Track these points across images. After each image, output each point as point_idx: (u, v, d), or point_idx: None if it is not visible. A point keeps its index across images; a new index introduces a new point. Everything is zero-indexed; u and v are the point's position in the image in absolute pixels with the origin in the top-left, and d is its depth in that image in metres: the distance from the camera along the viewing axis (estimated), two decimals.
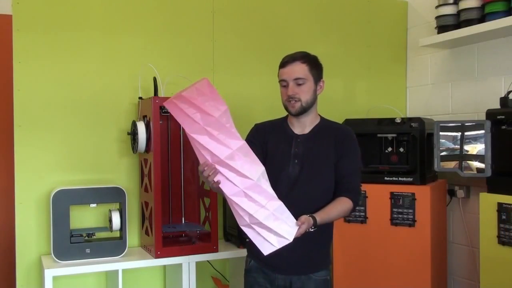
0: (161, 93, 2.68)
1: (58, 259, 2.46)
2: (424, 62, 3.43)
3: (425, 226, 2.72)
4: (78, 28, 2.68)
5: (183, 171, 2.81)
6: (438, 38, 3.04)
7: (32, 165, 2.59)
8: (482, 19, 2.83)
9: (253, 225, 1.79)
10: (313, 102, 2.05)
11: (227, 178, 1.79)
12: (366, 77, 3.45)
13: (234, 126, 1.79)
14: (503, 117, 2.51)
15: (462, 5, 2.91)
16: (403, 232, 2.76)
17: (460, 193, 3.08)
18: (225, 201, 2.89)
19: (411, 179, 2.79)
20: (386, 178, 2.86)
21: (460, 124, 2.67)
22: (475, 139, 2.59)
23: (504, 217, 2.41)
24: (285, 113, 2.12)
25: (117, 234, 2.62)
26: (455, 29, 2.94)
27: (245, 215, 1.79)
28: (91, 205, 2.57)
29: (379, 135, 3.00)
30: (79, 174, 2.68)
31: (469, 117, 3.03)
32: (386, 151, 3.02)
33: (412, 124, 2.81)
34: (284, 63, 2.03)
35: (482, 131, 2.55)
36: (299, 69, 1.99)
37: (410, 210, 2.74)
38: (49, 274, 2.36)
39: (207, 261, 2.87)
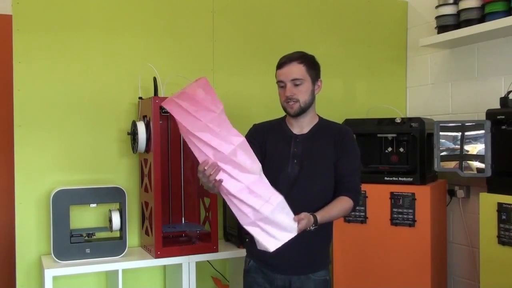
0: (161, 93, 2.68)
1: (58, 259, 2.46)
2: (424, 62, 3.42)
3: (425, 226, 2.72)
4: (78, 28, 2.68)
5: (183, 171, 2.81)
6: (438, 38, 3.04)
7: (32, 165, 2.59)
8: (482, 19, 2.83)
9: (258, 222, 1.78)
10: (311, 102, 2.05)
11: (230, 176, 1.77)
12: (366, 77, 3.45)
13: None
14: (503, 117, 2.51)
15: (462, 5, 2.91)
16: (403, 232, 2.76)
17: (460, 193, 3.08)
18: (225, 201, 2.90)
19: (411, 179, 2.79)
20: (386, 178, 2.86)
21: (460, 124, 2.67)
22: (475, 139, 2.59)
23: (504, 217, 2.41)
24: (284, 113, 2.12)
25: (117, 234, 2.62)
26: (455, 29, 2.94)
27: (250, 212, 1.77)
28: (91, 205, 2.57)
29: (379, 135, 3.00)
30: (79, 174, 2.68)
31: (469, 117, 3.03)
32: (386, 151, 3.02)
33: (412, 124, 2.81)
34: (281, 64, 2.02)
35: (482, 131, 2.55)
36: (297, 70, 1.99)
37: (410, 210, 2.74)
38: (49, 274, 2.36)
39: (207, 261, 2.87)
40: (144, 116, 2.62)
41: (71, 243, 2.48)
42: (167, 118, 2.76)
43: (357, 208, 2.82)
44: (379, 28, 3.47)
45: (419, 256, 2.73)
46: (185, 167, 2.82)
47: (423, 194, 2.74)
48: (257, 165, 1.80)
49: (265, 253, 2.04)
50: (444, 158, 2.71)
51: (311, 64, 2.03)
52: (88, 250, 2.50)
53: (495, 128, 2.54)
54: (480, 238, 2.53)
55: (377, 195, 2.82)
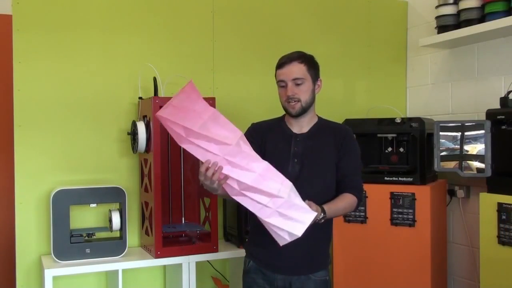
0: (161, 93, 2.68)
1: (58, 259, 2.46)
2: (424, 62, 3.43)
3: (425, 226, 2.72)
4: (78, 28, 2.68)
5: (183, 171, 2.81)
6: (438, 38, 3.04)
7: (32, 165, 2.59)
8: (482, 19, 2.83)
9: (279, 210, 1.73)
10: (312, 102, 2.05)
11: (242, 168, 1.73)
12: (366, 77, 3.45)
13: None
14: (503, 117, 2.51)
15: (462, 5, 2.91)
16: (403, 232, 2.76)
17: (460, 193, 3.08)
18: (225, 201, 2.91)
19: (411, 179, 2.79)
20: (386, 178, 2.86)
21: (460, 124, 2.67)
22: (475, 139, 2.60)
23: (504, 217, 2.41)
24: (282, 113, 2.12)
25: (117, 234, 2.62)
26: (455, 29, 2.94)
27: (268, 201, 1.73)
28: (91, 205, 2.57)
29: (379, 135, 3.00)
30: (79, 174, 2.68)
31: (469, 117, 3.03)
32: (386, 151, 3.02)
33: (412, 124, 2.81)
34: (281, 64, 2.02)
35: (482, 131, 2.55)
36: (297, 69, 1.99)
37: (410, 210, 2.74)
38: (49, 274, 2.35)
39: (207, 261, 2.87)
40: (144, 116, 2.62)
41: (71, 243, 2.48)
42: None
43: (357, 209, 2.83)
44: (379, 28, 3.47)
45: (419, 256, 2.73)
46: (185, 167, 2.82)
47: (423, 194, 2.74)
48: (258, 156, 1.79)
49: (265, 253, 2.05)
50: (444, 158, 2.71)
51: (311, 64, 2.03)
52: (88, 250, 2.50)
53: (495, 128, 2.54)
54: (480, 238, 2.53)
55: (377, 195, 2.82)
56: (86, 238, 2.55)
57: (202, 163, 1.75)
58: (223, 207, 2.92)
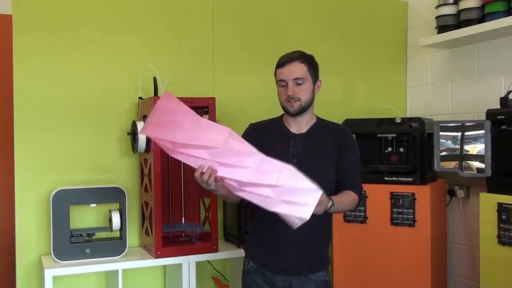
0: (161, 93, 2.68)
1: (58, 259, 2.46)
2: (424, 62, 3.42)
3: (425, 226, 2.72)
4: (78, 28, 2.68)
5: (183, 171, 2.81)
6: (438, 38, 3.04)
7: (32, 165, 2.59)
8: (482, 19, 2.83)
9: (282, 198, 1.72)
10: (311, 102, 2.04)
11: (235, 166, 1.74)
12: (366, 77, 3.45)
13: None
14: (503, 117, 2.51)
15: (462, 5, 2.91)
16: (403, 232, 2.76)
17: (460, 193, 3.08)
18: (225, 201, 2.90)
19: (411, 179, 2.79)
20: (386, 178, 2.86)
21: (460, 124, 2.67)
22: (475, 139, 2.60)
23: (504, 217, 2.41)
24: (280, 113, 2.12)
25: (117, 234, 2.62)
26: (455, 29, 2.94)
27: (269, 191, 1.72)
28: (91, 205, 2.57)
29: (379, 135, 3.00)
30: (79, 174, 2.68)
31: (469, 117, 3.03)
32: (386, 151, 3.02)
33: (412, 124, 2.81)
34: (282, 63, 2.01)
35: (482, 131, 2.55)
36: (298, 69, 1.98)
37: (410, 210, 2.74)
38: (49, 274, 2.35)
39: (207, 261, 2.87)
40: (144, 116, 2.62)
41: (71, 243, 2.48)
42: None
43: (357, 208, 2.83)
44: (379, 28, 3.47)
45: (419, 256, 2.73)
46: (185, 167, 2.82)
47: (423, 194, 2.74)
48: (251, 147, 1.78)
49: (264, 254, 2.05)
50: (444, 158, 2.71)
51: (312, 64, 2.03)
52: (88, 250, 2.50)
53: (495, 128, 2.54)
54: (480, 238, 2.53)
55: (377, 195, 2.82)
56: (86, 238, 2.55)
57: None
58: (223, 207, 2.92)
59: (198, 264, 2.67)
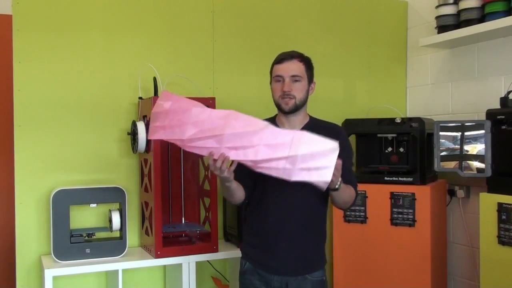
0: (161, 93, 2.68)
1: (58, 259, 2.46)
2: (424, 62, 3.42)
3: (425, 226, 2.72)
4: (78, 28, 2.68)
5: (183, 171, 2.81)
6: (438, 38, 3.04)
7: (32, 165, 2.59)
8: (482, 19, 2.83)
9: (299, 166, 1.72)
10: (305, 101, 2.06)
11: (245, 147, 1.75)
12: (366, 77, 3.45)
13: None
14: (503, 117, 2.51)
15: (462, 5, 2.91)
16: (403, 232, 2.76)
17: (460, 193, 3.08)
18: (225, 201, 2.90)
19: (411, 179, 2.79)
20: (386, 178, 2.86)
21: (460, 124, 2.67)
22: (475, 139, 2.60)
23: (504, 217, 2.41)
24: (274, 113, 2.13)
25: (117, 234, 2.62)
26: (455, 29, 2.94)
27: (285, 163, 1.73)
28: (91, 205, 2.57)
29: (379, 135, 3.00)
30: (79, 174, 2.68)
31: (469, 117, 3.03)
32: (386, 151, 3.02)
33: (412, 124, 2.81)
34: (281, 59, 2.03)
35: (482, 131, 2.55)
36: (297, 67, 2.00)
37: (410, 210, 2.75)
38: (49, 274, 2.36)
39: (207, 261, 2.87)
40: (144, 116, 2.62)
41: (71, 243, 2.48)
42: None
43: (357, 208, 2.84)
44: (379, 28, 3.47)
45: (419, 256, 2.73)
46: (185, 167, 2.82)
47: (423, 194, 2.74)
48: (257, 120, 1.80)
49: (260, 254, 2.05)
50: (444, 158, 2.71)
51: (309, 65, 2.06)
52: (88, 250, 2.50)
53: (495, 128, 2.54)
54: (480, 238, 2.53)
55: (377, 195, 2.82)
56: (86, 238, 2.55)
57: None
58: (223, 207, 2.92)
59: (198, 264, 2.67)
